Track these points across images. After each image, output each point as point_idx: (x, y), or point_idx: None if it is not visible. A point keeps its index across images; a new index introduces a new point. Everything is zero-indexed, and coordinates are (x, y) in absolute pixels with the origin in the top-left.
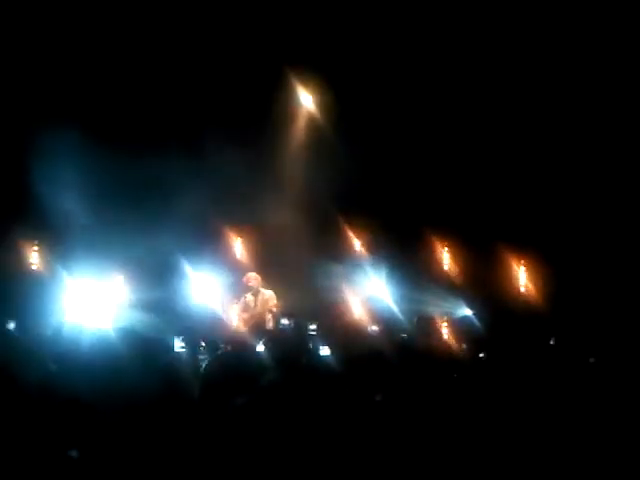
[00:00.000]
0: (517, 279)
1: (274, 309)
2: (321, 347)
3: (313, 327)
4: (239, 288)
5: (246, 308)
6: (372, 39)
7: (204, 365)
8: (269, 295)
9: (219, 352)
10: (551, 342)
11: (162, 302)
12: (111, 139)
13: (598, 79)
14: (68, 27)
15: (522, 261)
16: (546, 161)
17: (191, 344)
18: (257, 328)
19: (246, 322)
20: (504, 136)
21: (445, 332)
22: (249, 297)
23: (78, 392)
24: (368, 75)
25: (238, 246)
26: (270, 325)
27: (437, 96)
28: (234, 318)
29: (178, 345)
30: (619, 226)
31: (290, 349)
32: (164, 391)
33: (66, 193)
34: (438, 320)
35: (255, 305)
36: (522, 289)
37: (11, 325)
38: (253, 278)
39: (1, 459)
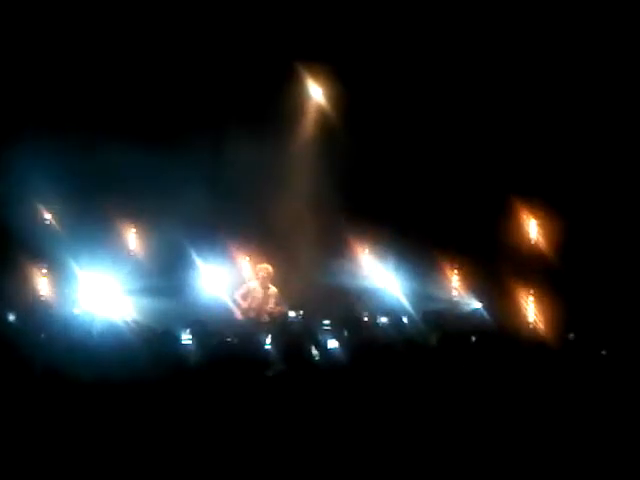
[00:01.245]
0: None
1: (270, 307)
2: (329, 340)
3: (327, 322)
4: (248, 280)
5: (246, 295)
6: (382, 31)
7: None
8: (272, 292)
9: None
10: (570, 336)
11: (171, 294)
12: (121, 134)
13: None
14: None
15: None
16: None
17: (199, 336)
18: (256, 320)
19: (244, 312)
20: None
21: (453, 326)
22: (256, 287)
23: (84, 375)
24: (380, 68)
25: (246, 239)
26: (266, 319)
27: (450, 94)
28: (234, 304)
29: (186, 338)
30: (630, 222)
31: (297, 341)
32: (168, 375)
33: (77, 183)
34: (445, 314)
35: (257, 296)
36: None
37: (11, 317)
38: (263, 269)
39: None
